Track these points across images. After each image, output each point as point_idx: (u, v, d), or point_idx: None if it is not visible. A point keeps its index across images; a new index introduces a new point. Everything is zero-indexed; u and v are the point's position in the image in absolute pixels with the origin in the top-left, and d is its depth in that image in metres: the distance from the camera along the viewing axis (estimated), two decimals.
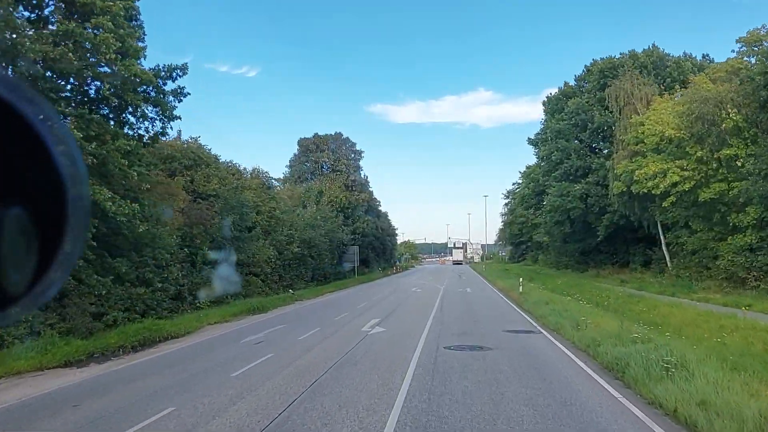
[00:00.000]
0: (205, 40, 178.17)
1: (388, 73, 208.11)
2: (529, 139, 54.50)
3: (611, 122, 41.66)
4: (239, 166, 36.13)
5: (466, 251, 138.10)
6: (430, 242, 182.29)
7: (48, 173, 0.80)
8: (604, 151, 44.35)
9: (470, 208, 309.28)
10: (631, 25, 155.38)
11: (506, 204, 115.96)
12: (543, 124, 52.63)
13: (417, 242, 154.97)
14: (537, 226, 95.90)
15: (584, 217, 44.51)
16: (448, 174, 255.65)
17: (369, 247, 66.38)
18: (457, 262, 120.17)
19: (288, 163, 65.60)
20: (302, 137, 65.86)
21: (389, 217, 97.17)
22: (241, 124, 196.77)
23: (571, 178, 45.58)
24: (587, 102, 45.56)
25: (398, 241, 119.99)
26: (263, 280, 31.14)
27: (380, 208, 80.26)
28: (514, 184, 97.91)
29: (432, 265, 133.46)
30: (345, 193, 56.41)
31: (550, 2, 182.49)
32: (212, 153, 30.54)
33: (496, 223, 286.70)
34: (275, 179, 49.13)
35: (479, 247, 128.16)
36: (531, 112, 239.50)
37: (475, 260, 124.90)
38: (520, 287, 30.59)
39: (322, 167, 65.04)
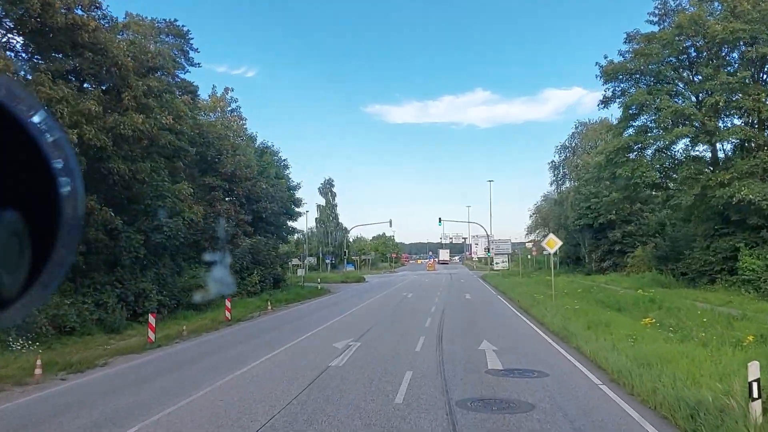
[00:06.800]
0: (202, 39, 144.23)
1: (385, 73, 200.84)
2: None
3: None
4: None
5: (470, 252, 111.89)
6: (426, 241, 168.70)
7: (42, 177, 0.77)
8: None
9: (469, 203, 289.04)
10: (629, 25, 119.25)
11: (566, 144, 62.15)
12: None
13: (410, 242, 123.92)
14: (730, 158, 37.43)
15: None
16: (446, 174, 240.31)
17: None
18: (443, 262, 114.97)
19: None
20: None
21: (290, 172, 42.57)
22: None
23: None
24: None
25: (351, 233, 67.42)
26: None
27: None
28: (607, 87, 40.73)
29: (414, 272, 77.94)
30: None
31: (547, 3, 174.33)
32: None
33: (500, 219, 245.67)
34: None
35: (505, 244, 72.83)
36: (528, 113, 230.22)
37: (497, 266, 69.35)
38: None
39: None
